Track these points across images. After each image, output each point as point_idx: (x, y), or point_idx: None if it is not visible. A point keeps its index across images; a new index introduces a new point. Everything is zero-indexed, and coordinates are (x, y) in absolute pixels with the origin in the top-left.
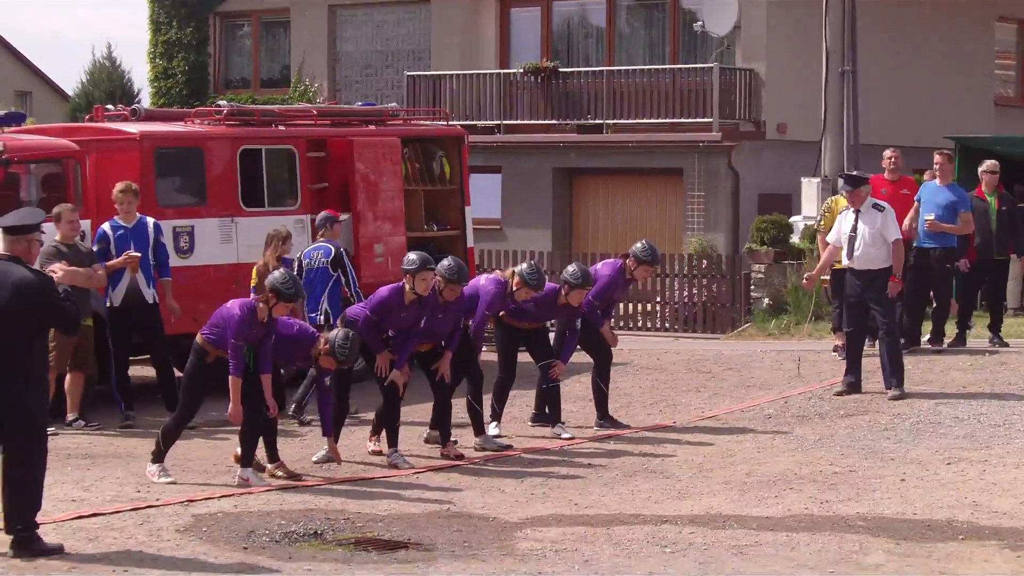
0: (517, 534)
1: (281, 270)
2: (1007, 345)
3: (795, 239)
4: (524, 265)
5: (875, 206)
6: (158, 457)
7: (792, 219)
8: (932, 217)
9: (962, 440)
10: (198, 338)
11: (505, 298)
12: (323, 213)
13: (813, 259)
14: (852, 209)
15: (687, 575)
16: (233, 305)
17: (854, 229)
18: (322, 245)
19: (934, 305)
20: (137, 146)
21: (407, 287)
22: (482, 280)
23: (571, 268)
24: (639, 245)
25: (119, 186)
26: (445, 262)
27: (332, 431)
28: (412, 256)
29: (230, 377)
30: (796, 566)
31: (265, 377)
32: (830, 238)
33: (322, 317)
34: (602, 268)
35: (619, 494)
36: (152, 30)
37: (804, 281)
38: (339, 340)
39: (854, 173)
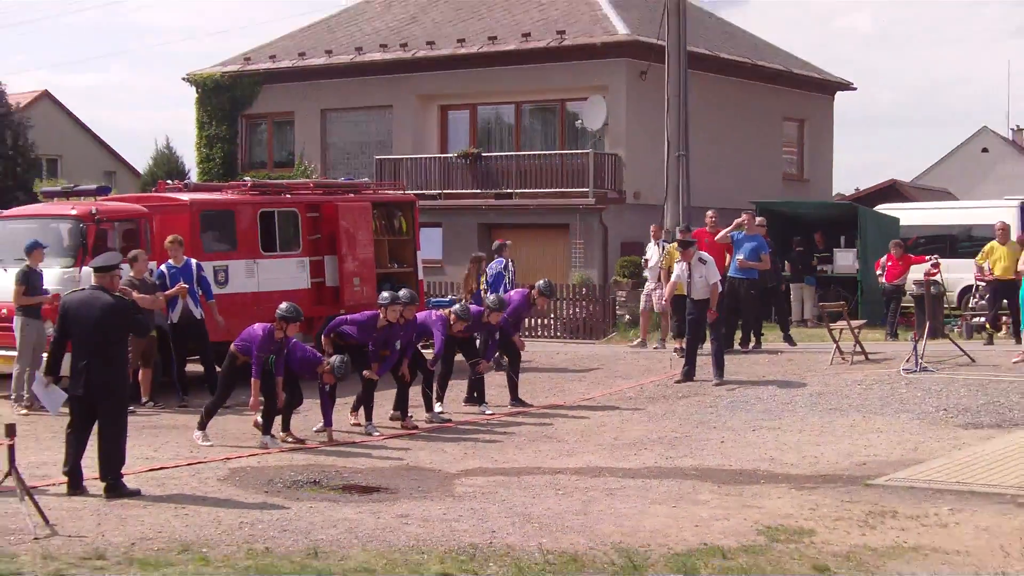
0: (455, 481)
1: (285, 304)
2: (795, 344)
3: (646, 274)
4: (456, 307)
5: (700, 259)
6: (202, 426)
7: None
8: (742, 257)
9: (762, 414)
10: (231, 347)
11: (449, 327)
12: (497, 242)
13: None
14: (685, 263)
15: (573, 509)
16: (257, 327)
17: (690, 276)
18: (500, 259)
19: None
20: (188, 209)
21: (381, 315)
22: (433, 316)
23: (491, 297)
24: (542, 282)
25: (168, 239)
26: (404, 292)
27: (331, 423)
28: (385, 294)
29: (252, 379)
30: (650, 502)
31: (278, 378)
32: (673, 277)
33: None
34: (514, 296)
35: (526, 453)
36: (198, 128)
37: (664, 303)
38: (337, 362)
39: (684, 239)
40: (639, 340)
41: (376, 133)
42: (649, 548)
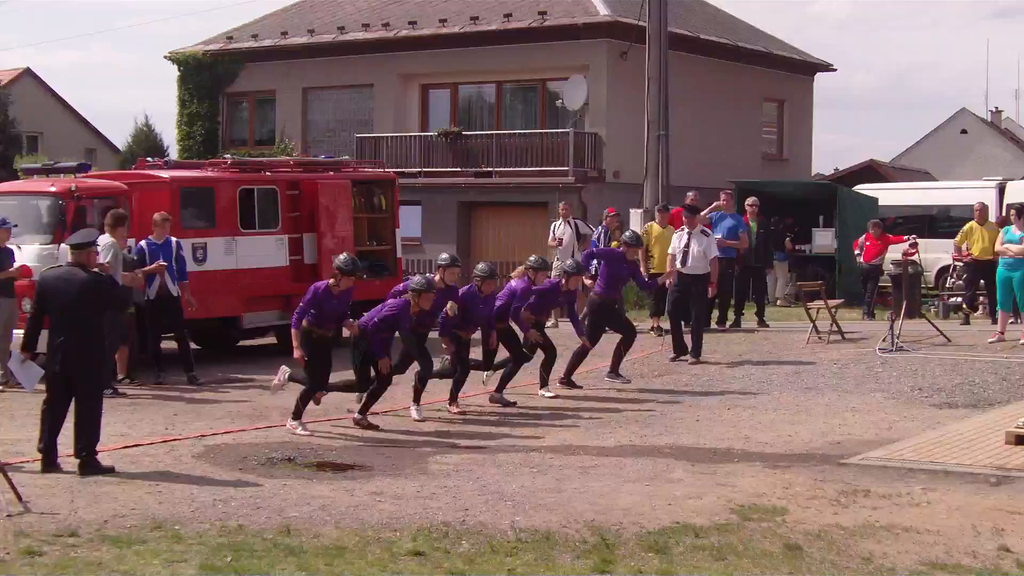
0: (430, 459)
1: (344, 254)
2: (768, 326)
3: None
4: (417, 277)
5: (703, 231)
6: (297, 415)
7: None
8: (720, 236)
9: (738, 393)
10: (304, 323)
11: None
12: (608, 212)
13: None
14: (687, 231)
15: (547, 487)
16: (311, 288)
17: (687, 245)
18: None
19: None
20: (168, 186)
21: (437, 276)
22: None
23: (481, 265)
24: (569, 262)
25: (159, 215)
26: (482, 265)
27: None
28: (444, 255)
29: (380, 360)
30: (623, 480)
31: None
32: (671, 248)
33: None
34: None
35: (501, 430)
36: (179, 105)
37: (667, 283)
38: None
39: (693, 205)
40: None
41: (357, 111)
42: (622, 526)
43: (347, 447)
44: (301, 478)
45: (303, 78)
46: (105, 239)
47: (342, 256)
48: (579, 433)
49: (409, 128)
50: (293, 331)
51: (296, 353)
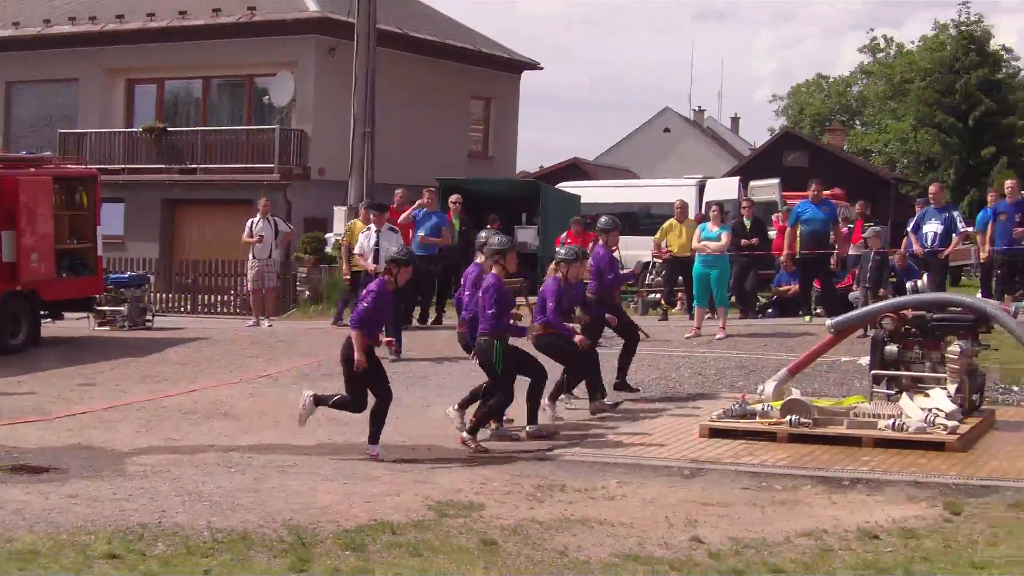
0: (127, 460)
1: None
2: None
3: (328, 249)
4: (497, 237)
5: (391, 229)
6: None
7: (327, 235)
8: (423, 234)
9: (437, 390)
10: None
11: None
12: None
13: (339, 263)
14: (374, 229)
15: (245, 486)
16: (368, 291)
17: (376, 244)
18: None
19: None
20: None
21: (498, 266)
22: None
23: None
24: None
25: None
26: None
27: None
28: (497, 239)
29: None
30: (322, 479)
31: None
32: (357, 248)
33: None
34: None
35: (199, 431)
36: None
37: (345, 279)
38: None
39: (379, 203)
40: (254, 321)
41: (62, 106)
42: (319, 525)
43: (43, 449)
44: None
45: (5, 72)
46: None
47: (394, 248)
48: (278, 432)
49: (114, 124)
50: (357, 334)
51: (359, 356)
